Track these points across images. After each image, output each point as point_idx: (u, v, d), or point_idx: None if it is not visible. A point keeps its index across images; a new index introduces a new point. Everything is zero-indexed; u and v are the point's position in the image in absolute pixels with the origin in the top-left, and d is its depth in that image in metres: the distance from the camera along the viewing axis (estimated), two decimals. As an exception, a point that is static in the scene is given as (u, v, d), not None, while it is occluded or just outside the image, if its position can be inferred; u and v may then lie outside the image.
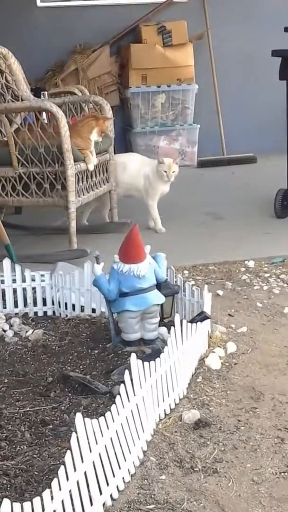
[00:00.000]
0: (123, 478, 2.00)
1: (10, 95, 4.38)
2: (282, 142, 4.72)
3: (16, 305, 3.23)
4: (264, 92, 6.68)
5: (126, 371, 2.16)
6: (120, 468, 2.00)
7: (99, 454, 1.93)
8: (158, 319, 2.83)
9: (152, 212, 4.50)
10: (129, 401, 2.12)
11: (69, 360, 2.76)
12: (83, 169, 4.17)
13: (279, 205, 4.65)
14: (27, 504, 1.64)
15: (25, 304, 3.23)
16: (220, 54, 6.69)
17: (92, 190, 4.33)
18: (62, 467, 1.78)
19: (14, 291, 3.24)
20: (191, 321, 2.67)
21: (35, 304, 3.23)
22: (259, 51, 6.53)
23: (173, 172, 4.38)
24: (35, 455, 2.13)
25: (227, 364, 2.72)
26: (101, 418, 1.97)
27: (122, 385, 2.13)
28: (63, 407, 2.40)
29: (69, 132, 3.98)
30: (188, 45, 6.53)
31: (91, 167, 4.21)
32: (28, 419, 2.32)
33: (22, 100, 4.36)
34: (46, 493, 1.70)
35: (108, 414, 2.01)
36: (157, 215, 4.48)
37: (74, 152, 4.03)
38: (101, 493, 1.90)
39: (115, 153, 4.68)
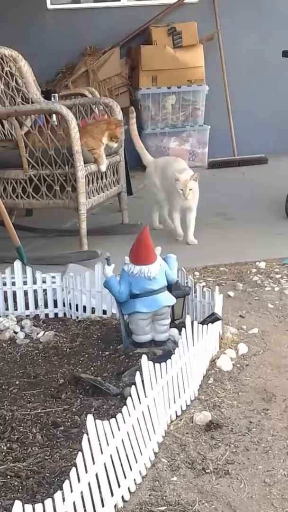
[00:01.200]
0: (134, 479, 2.00)
1: (20, 98, 4.39)
2: (293, 142, 4.72)
3: (27, 307, 3.23)
4: (275, 92, 6.66)
5: (137, 373, 2.16)
6: (131, 469, 2.00)
7: (111, 456, 1.93)
8: (169, 320, 2.83)
9: (171, 222, 4.37)
10: (140, 403, 2.12)
11: (80, 361, 2.76)
12: (94, 170, 4.17)
13: (290, 206, 4.64)
14: (38, 506, 1.64)
15: (36, 306, 3.23)
16: (231, 55, 6.68)
17: (103, 192, 4.33)
18: (73, 468, 1.78)
19: (25, 293, 3.24)
20: (202, 323, 2.67)
21: (46, 306, 3.23)
22: (269, 51, 6.52)
23: (190, 189, 4.10)
24: (46, 457, 2.13)
25: (238, 365, 2.71)
26: (112, 420, 1.97)
27: (133, 386, 2.13)
28: (74, 409, 2.40)
29: (79, 134, 3.99)
30: (198, 46, 6.52)
31: (103, 168, 4.21)
32: (39, 421, 2.32)
33: (32, 102, 4.38)
34: (57, 495, 1.70)
35: (119, 415, 2.01)
36: (176, 225, 4.28)
37: (84, 154, 4.03)
38: (112, 494, 1.90)
39: (125, 156, 4.67)
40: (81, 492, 1.79)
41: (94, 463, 1.85)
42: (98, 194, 4.27)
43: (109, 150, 4.31)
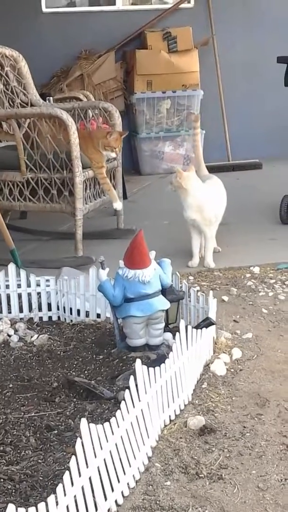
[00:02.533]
0: (128, 483, 2.00)
1: (19, 99, 4.39)
2: (287, 148, 4.73)
3: (21, 310, 3.23)
4: (270, 98, 6.69)
5: (131, 377, 2.16)
6: (125, 473, 2.00)
7: (104, 460, 1.93)
8: (163, 324, 2.83)
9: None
10: (134, 407, 2.12)
11: (74, 365, 2.75)
12: (91, 176, 4.17)
13: (284, 211, 4.65)
14: (32, 509, 1.64)
15: (30, 309, 3.23)
16: (226, 60, 6.70)
17: (99, 197, 4.33)
18: (67, 472, 1.78)
19: (19, 296, 3.24)
20: (196, 327, 2.67)
21: (40, 309, 3.23)
22: (264, 57, 6.54)
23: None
24: (40, 460, 2.13)
25: (232, 370, 2.71)
26: (106, 424, 1.97)
27: (127, 390, 2.12)
28: (68, 412, 2.39)
29: (79, 139, 3.98)
30: (193, 51, 6.54)
31: (118, 206, 4.29)
32: (33, 424, 2.32)
33: (31, 104, 4.38)
34: (51, 499, 1.70)
35: (113, 419, 2.01)
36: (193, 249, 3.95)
37: (82, 159, 4.03)
38: (106, 498, 1.90)
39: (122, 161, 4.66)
40: (75, 496, 1.79)
41: (87, 467, 1.85)
42: (95, 199, 4.27)
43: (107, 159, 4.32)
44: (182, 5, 6.77)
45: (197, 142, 4.20)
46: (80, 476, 1.82)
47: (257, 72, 6.85)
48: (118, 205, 4.32)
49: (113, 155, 4.23)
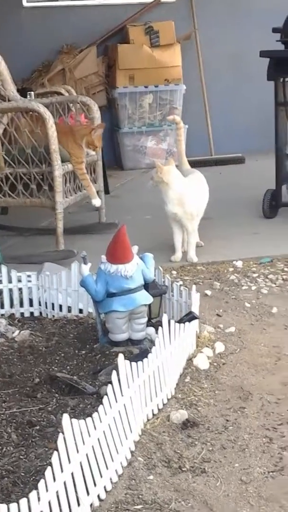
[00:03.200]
0: (110, 478, 1.99)
1: (-4, 96, 4.35)
2: (270, 142, 4.73)
3: (2, 306, 3.21)
4: (252, 92, 6.69)
5: (114, 372, 2.15)
6: (107, 468, 1.99)
7: (86, 455, 1.92)
8: (146, 319, 2.82)
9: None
10: (116, 402, 2.11)
11: (56, 360, 2.74)
12: (70, 169, 4.15)
13: (267, 205, 4.66)
14: (13, 506, 1.63)
15: (12, 305, 3.21)
16: (208, 54, 6.70)
17: (80, 191, 4.31)
18: (49, 468, 1.77)
19: (0, 292, 3.21)
20: (179, 321, 2.66)
21: (21, 305, 3.21)
22: (246, 51, 6.54)
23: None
24: (21, 456, 2.11)
25: (215, 364, 2.71)
26: (89, 419, 1.96)
27: (109, 385, 2.11)
28: (50, 408, 2.38)
29: (57, 133, 3.96)
30: (175, 45, 6.53)
31: (97, 202, 4.24)
32: (14, 420, 2.30)
33: (9, 100, 4.34)
34: (33, 494, 1.69)
35: (95, 414, 2.00)
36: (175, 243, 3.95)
37: (61, 153, 4.01)
38: (88, 493, 1.89)
39: (102, 155, 4.64)
40: (57, 492, 1.78)
41: (69, 462, 1.84)
42: (75, 193, 4.26)
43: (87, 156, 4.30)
44: (164, 0, 6.75)
45: (180, 137, 4.19)
46: (62, 471, 1.81)
47: (240, 66, 6.85)
48: (97, 201, 4.30)
49: (93, 152, 4.22)
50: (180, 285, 3.01)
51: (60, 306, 3.16)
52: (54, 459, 1.79)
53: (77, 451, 1.87)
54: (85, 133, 4.15)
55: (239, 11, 6.87)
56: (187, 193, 3.82)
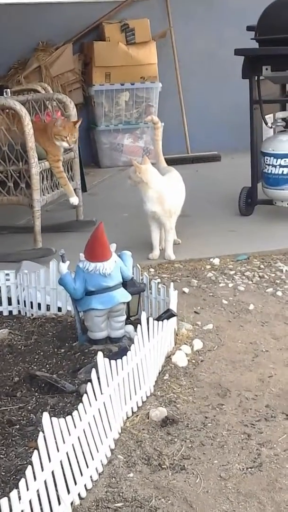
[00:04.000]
0: (91, 476, 2.00)
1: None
2: (246, 140, 4.76)
3: (-20, 305, 3.20)
4: (228, 90, 6.71)
5: (93, 370, 2.16)
6: (88, 467, 2.00)
7: (67, 453, 1.92)
8: (124, 317, 2.83)
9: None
10: (96, 400, 2.12)
11: (35, 359, 2.74)
12: (48, 167, 4.14)
13: (243, 203, 4.69)
14: (-6, 505, 1.63)
15: (-10, 304, 3.20)
16: (183, 52, 6.71)
17: (57, 189, 4.30)
18: (29, 467, 1.77)
19: (-21, 290, 3.21)
20: (158, 319, 2.68)
21: (0, 303, 3.20)
22: (221, 49, 6.57)
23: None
24: (1, 456, 2.11)
25: (193, 361, 2.73)
26: (68, 417, 1.97)
27: (89, 383, 2.12)
28: (29, 407, 2.38)
29: (34, 131, 3.95)
30: (151, 43, 6.53)
31: (75, 201, 4.24)
32: (-6, 420, 2.30)
33: (-16, 97, 4.32)
34: (13, 494, 1.69)
35: (75, 413, 2.01)
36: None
37: (38, 150, 4.00)
38: (69, 492, 1.89)
39: (79, 153, 4.64)
40: (37, 490, 1.78)
41: (50, 461, 1.85)
42: (53, 191, 4.25)
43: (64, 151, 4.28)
44: (140, -3, 6.76)
45: (158, 137, 4.20)
46: (42, 470, 1.81)
47: (215, 64, 6.87)
48: (74, 199, 4.30)
49: (65, 144, 4.14)
50: (158, 282, 3.02)
51: (39, 305, 3.16)
52: (35, 458, 1.80)
53: (58, 450, 1.88)
54: (51, 127, 4.14)
55: (214, 9, 6.89)
56: (166, 191, 3.83)
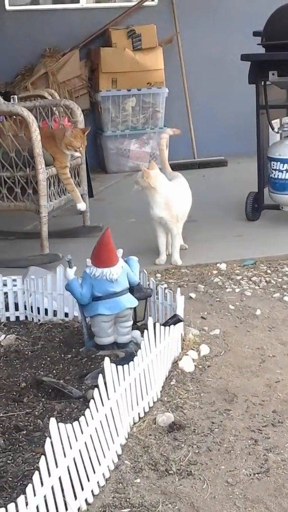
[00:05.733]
0: (98, 482, 2.00)
1: (-21, 99, 4.34)
2: (252, 145, 4.76)
3: (-12, 311, 3.21)
4: (234, 95, 6.72)
5: (100, 375, 2.16)
6: (94, 472, 2.00)
7: (74, 459, 1.92)
8: (131, 322, 2.83)
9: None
10: (103, 405, 2.12)
11: (42, 365, 2.74)
12: (55, 173, 4.15)
13: (250, 207, 4.68)
14: (1, 510, 1.63)
15: (-3, 309, 3.21)
16: (190, 57, 6.72)
17: (64, 195, 4.31)
18: (36, 472, 1.78)
19: (-14, 296, 3.21)
20: (164, 324, 2.68)
21: (7, 309, 3.21)
22: (228, 54, 6.58)
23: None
24: (9, 461, 2.12)
25: (200, 366, 2.73)
26: (75, 423, 1.97)
27: (95, 389, 2.13)
28: (36, 413, 2.39)
29: (41, 137, 3.97)
30: (157, 48, 6.55)
31: (82, 206, 4.24)
32: (1, 425, 2.30)
33: (-8, 104, 4.34)
34: (20, 499, 1.69)
35: (82, 418, 2.01)
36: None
37: (45, 156, 4.01)
38: (76, 498, 1.90)
39: (86, 158, 4.64)
40: (45, 496, 1.79)
41: (57, 467, 1.85)
42: (60, 196, 4.26)
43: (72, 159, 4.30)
44: (146, 3, 6.77)
45: (163, 146, 4.23)
46: (49, 476, 1.81)
47: (222, 69, 6.88)
48: (82, 205, 4.31)
49: (77, 154, 4.19)
50: (165, 288, 3.02)
51: (46, 310, 3.16)
52: (42, 463, 1.80)
53: (65, 456, 1.88)
54: (60, 137, 4.15)
55: (220, 14, 6.91)
56: (173, 197, 3.84)
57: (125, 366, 2.30)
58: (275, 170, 4.54)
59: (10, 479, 2.03)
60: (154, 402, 2.44)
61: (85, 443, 1.99)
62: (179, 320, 2.77)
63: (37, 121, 4.15)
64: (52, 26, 6.53)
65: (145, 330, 2.49)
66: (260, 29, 4.59)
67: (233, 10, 6.88)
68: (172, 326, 2.69)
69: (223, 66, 6.85)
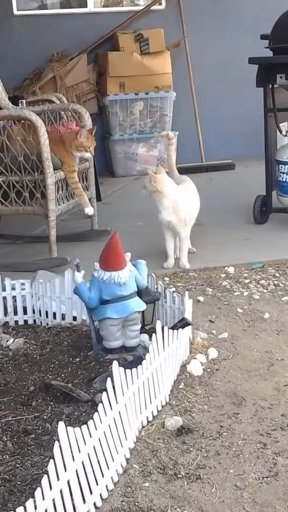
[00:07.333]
0: (106, 486, 2.00)
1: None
2: (260, 148, 4.76)
3: (-4, 314, 3.21)
4: (242, 99, 6.73)
5: (108, 379, 2.16)
6: (103, 476, 2.00)
7: (82, 463, 1.92)
8: (139, 326, 2.83)
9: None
10: (111, 409, 2.12)
11: (51, 368, 2.75)
12: (63, 177, 4.16)
13: (258, 211, 4.68)
14: (10, 514, 1.63)
15: (6, 313, 3.22)
16: (197, 61, 6.73)
17: (72, 199, 4.32)
18: (45, 476, 1.78)
19: (-6, 300, 3.22)
20: (173, 328, 2.67)
21: (15, 313, 3.22)
22: (235, 58, 6.59)
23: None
24: (17, 465, 2.12)
25: (208, 370, 2.72)
26: (84, 427, 1.97)
27: (104, 393, 2.13)
28: (45, 416, 2.39)
29: (49, 141, 3.98)
30: (165, 52, 6.56)
31: (90, 211, 4.25)
32: (10, 429, 2.31)
33: (0, 108, 4.35)
34: (29, 503, 1.69)
35: (90, 422, 2.01)
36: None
37: (53, 161, 4.02)
38: (84, 501, 1.89)
39: (94, 162, 4.65)
40: (53, 500, 1.79)
41: (66, 470, 1.85)
42: (68, 200, 4.27)
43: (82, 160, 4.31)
44: (154, 7, 6.79)
45: (171, 152, 4.23)
46: (58, 479, 1.81)
47: (229, 73, 6.89)
48: (89, 210, 4.31)
49: (88, 155, 4.19)
50: (173, 291, 3.02)
51: (54, 314, 3.17)
52: (50, 467, 1.80)
53: (73, 459, 1.88)
54: (71, 139, 4.16)
55: (227, 18, 6.91)
56: (181, 201, 3.84)
57: (134, 369, 2.30)
58: (283, 173, 4.53)
59: (19, 482, 2.03)
60: (162, 406, 2.44)
61: (94, 446, 1.99)
62: (187, 324, 2.77)
63: (46, 125, 4.16)
64: (60, 31, 6.56)
65: (153, 334, 2.49)
66: (267, 32, 4.59)
67: (241, 14, 6.89)
68: (180, 329, 2.69)
69: (230, 70, 6.85)
